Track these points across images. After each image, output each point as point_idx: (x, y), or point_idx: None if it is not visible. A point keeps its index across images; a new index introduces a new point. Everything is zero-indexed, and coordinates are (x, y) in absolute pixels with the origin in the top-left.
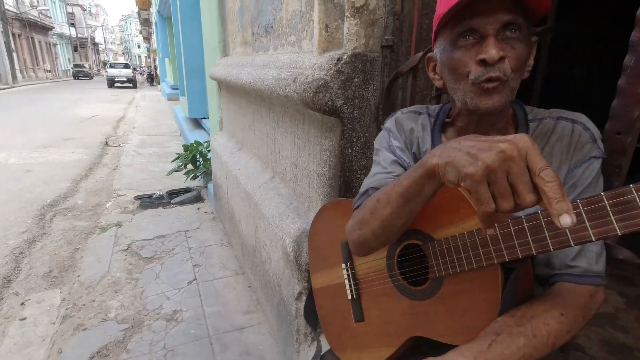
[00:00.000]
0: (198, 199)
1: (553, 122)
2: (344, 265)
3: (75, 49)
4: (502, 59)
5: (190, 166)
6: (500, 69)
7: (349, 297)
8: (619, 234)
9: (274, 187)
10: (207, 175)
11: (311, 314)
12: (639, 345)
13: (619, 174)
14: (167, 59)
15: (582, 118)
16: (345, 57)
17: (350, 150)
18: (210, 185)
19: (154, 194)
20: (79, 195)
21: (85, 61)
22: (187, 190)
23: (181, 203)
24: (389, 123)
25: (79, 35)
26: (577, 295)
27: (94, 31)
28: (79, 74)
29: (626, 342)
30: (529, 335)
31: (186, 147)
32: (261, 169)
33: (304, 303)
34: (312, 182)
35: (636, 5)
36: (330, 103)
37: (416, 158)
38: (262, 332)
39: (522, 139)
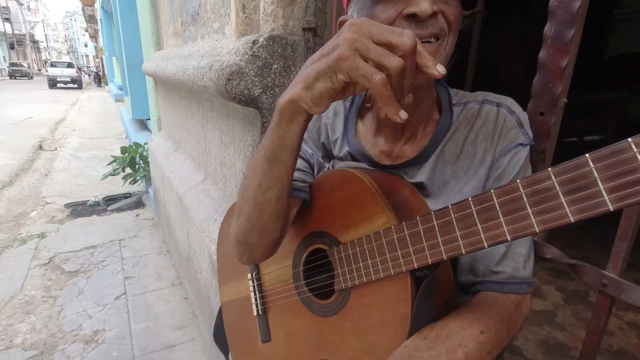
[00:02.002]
0: (138, 204)
1: (478, 106)
2: (249, 276)
3: (11, 47)
4: (434, 14)
5: (128, 170)
6: (434, 25)
7: (255, 313)
8: (537, 231)
9: (205, 189)
10: (149, 179)
11: (222, 336)
12: (575, 344)
13: (544, 159)
14: (114, 58)
15: (508, 101)
16: (261, 40)
17: None
18: (152, 190)
19: (88, 200)
20: (0, 204)
21: (23, 60)
22: (126, 195)
23: (119, 210)
24: None
25: (15, 32)
26: (501, 307)
27: (33, 27)
28: (16, 74)
29: (563, 341)
30: None
31: (124, 149)
32: (195, 170)
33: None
34: (238, 181)
35: None
36: (246, 92)
37: (325, 149)
38: (195, 349)
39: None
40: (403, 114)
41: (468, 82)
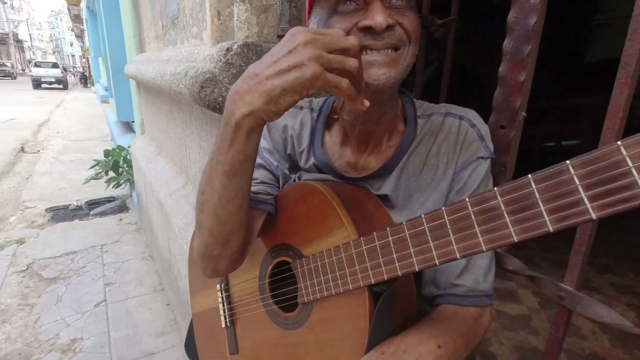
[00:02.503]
0: (122, 208)
1: (441, 119)
2: (218, 287)
3: None
4: (390, 27)
5: (112, 173)
6: (391, 36)
7: (223, 324)
8: (484, 249)
9: (186, 195)
10: (133, 182)
11: (193, 347)
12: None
13: (505, 172)
14: (100, 59)
15: (470, 114)
16: (235, 47)
17: None
18: (135, 194)
19: (70, 205)
20: None
21: (7, 59)
22: (110, 199)
23: (102, 214)
24: None
25: None
26: (460, 320)
27: (16, 26)
28: None
29: (537, 346)
30: None
31: (107, 153)
32: (176, 175)
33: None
34: None
35: None
36: (220, 100)
37: (291, 160)
38: (175, 357)
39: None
40: (366, 102)
41: (444, 88)
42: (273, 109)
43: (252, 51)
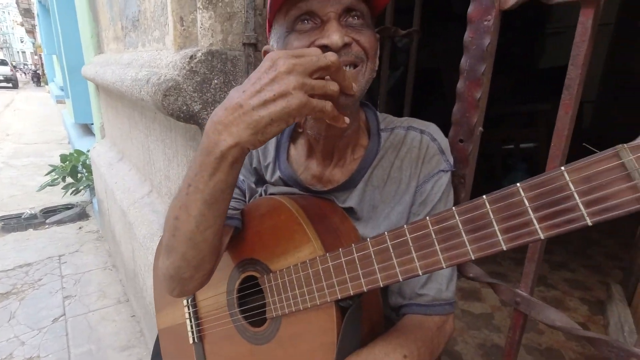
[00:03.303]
0: (82, 216)
1: (403, 132)
2: (185, 302)
3: None
4: (347, 45)
5: (70, 179)
6: (349, 54)
7: (190, 341)
8: (444, 266)
9: (150, 203)
10: (93, 188)
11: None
12: None
13: (464, 184)
14: (54, 56)
15: (431, 128)
16: (199, 54)
17: None
18: (96, 200)
19: (23, 213)
20: None
21: None
22: (68, 207)
23: (59, 222)
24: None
25: None
26: (424, 329)
27: None
28: None
29: (499, 343)
30: None
31: (64, 157)
32: (140, 182)
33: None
34: None
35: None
36: (184, 108)
37: (258, 174)
38: None
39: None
40: (347, 119)
41: (408, 92)
42: (260, 139)
43: (216, 59)
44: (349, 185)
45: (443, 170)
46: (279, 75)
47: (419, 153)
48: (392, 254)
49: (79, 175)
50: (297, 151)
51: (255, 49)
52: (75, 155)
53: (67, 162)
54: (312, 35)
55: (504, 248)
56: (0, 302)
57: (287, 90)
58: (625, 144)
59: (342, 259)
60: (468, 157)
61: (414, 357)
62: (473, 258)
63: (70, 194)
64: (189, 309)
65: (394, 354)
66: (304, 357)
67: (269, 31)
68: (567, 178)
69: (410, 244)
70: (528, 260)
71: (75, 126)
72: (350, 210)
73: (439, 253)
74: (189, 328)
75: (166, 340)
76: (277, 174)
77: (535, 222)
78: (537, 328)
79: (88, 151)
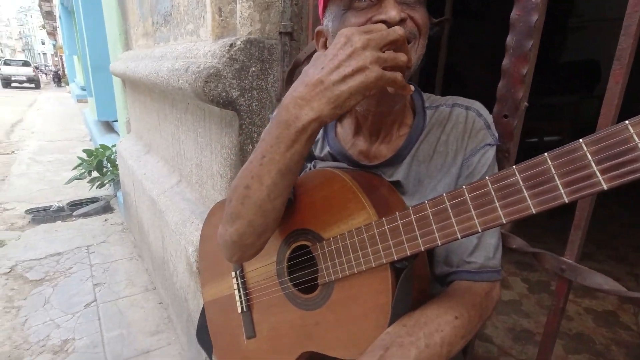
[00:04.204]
0: (107, 209)
1: (448, 110)
2: (233, 274)
3: None
4: (402, 20)
5: (95, 173)
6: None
7: (239, 310)
8: (504, 222)
9: (180, 192)
10: (118, 182)
11: (205, 335)
12: (539, 329)
13: (508, 158)
14: (75, 57)
15: (476, 104)
16: (238, 43)
17: (250, 147)
18: (120, 194)
19: (51, 206)
20: None
21: None
22: (93, 200)
23: (85, 215)
24: (276, 111)
25: None
26: (473, 294)
27: None
28: None
29: (528, 328)
30: (421, 347)
31: (90, 152)
32: (168, 173)
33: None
34: (216, 183)
35: None
36: (224, 94)
37: None
38: (171, 354)
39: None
40: (411, 87)
41: (438, 85)
42: (338, 112)
43: (254, 47)
44: (395, 160)
45: (489, 144)
46: (356, 50)
47: (465, 128)
48: (451, 213)
49: (104, 169)
50: (344, 129)
51: (290, 38)
52: (101, 150)
53: (93, 157)
54: (369, 12)
55: (566, 200)
56: (35, 288)
57: (365, 64)
58: None
59: (399, 222)
60: (513, 131)
61: (464, 319)
62: (534, 212)
63: (96, 187)
64: (237, 280)
65: (445, 316)
66: (357, 320)
67: (323, 12)
68: (632, 131)
69: (470, 203)
70: (574, 228)
71: (97, 124)
72: (396, 184)
73: (499, 209)
74: (237, 298)
75: (212, 312)
76: (326, 149)
77: (598, 174)
78: (567, 315)
79: (113, 146)
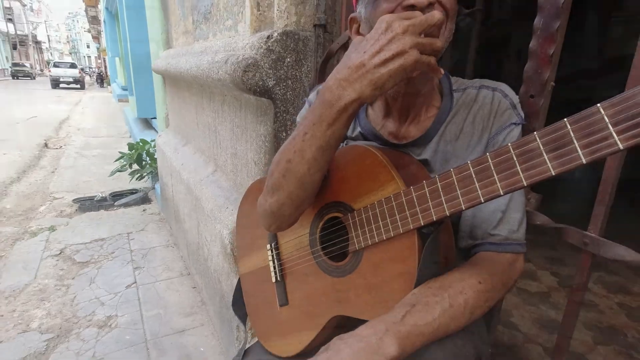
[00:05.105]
0: (145, 200)
1: (475, 91)
2: (268, 246)
3: (14, 47)
4: (431, 4)
5: (135, 166)
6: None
7: (273, 279)
8: (525, 184)
9: (216, 180)
10: (155, 175)
11: (240, 305)
12: None
13: None
14: (117, 59)
15: (503, 86)
16: (275, 35)
17: (284, 134)
18: (158, 186)
19: (95, 196)
20: (9, 199)
21: (26, 60)
22: (133, 191)
23: (126, 205)
24: (311, 95)
25: (18, 32)
26: (497, 263)
27: (35, 28)
28: (19, 74)
29: (557, 318)
30: (446, 306)
31: (131, 146)
32: (204, 163)
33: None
34: (250, 171)
35: None
36: (261, 83)
37: None
38: (204, 334)
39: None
40: (442, 70)
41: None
42: (377, 94)
43: (290, 39)
44: (423, 140)
45: (515, 123)
46: (396, 36)
47: (491, 108)
48: (475, 179)
49: (144, 162)
50: (375, 111)
51: (324, 30)
52: (140, 144)
53: (134, 151)
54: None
55: (584, 161)
56: (82, 269)
57: (404, 49)
58: None
59: (426, 189)
60: (539, 110)
61: (488, 284)
62: (553, 173)
63: (136, 179)
64: (272, 252)
65: (470, 280)
66: (385, 284)
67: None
68: None
69: (492, 168)
70: (598, 203)
71: (137, 121)
72: (424, 162)
73: (520, 172)
74: (271, 268)
75: (248, 283)
76: (358, 129)
77: (614, 134)
78: (598, 309)
79: (152, 141)
